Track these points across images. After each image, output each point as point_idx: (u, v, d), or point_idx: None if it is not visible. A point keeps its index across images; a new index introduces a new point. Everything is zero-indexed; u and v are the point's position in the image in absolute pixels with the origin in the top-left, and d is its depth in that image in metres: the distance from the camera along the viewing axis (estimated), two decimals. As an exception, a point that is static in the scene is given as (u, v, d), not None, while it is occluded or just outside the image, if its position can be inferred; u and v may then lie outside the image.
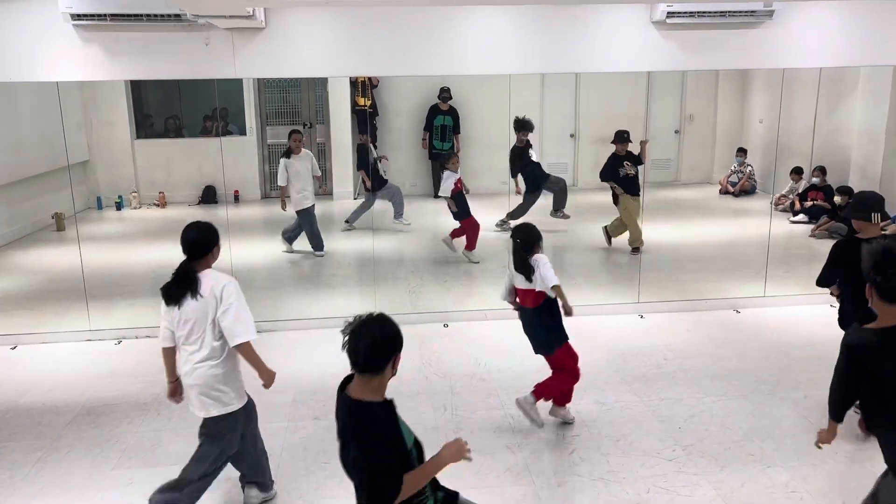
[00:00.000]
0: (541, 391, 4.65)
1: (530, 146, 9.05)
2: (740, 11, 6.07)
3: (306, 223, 8.45)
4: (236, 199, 10.46)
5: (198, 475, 3.67)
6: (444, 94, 10.36)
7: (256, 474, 4.03)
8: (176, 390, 3.84)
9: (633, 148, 8.40)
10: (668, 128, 10.62)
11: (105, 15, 5.57)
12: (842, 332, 4.30)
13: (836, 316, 4.60)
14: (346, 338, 2.62)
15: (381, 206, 9.30)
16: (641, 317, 6.80)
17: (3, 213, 8.83)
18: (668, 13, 6.01)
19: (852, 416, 3.60)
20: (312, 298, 7.61)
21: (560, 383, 4.66)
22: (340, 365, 2.73)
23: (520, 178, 9.14)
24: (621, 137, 8.41)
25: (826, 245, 4.54)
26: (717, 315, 6.80)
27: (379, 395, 2.67)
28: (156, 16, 5.62)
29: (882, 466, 3.11)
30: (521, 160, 9.00)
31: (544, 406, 4.77)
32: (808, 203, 10.03)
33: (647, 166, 8.45)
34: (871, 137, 9.39)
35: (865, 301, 2.94)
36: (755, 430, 4.71)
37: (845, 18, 6.35)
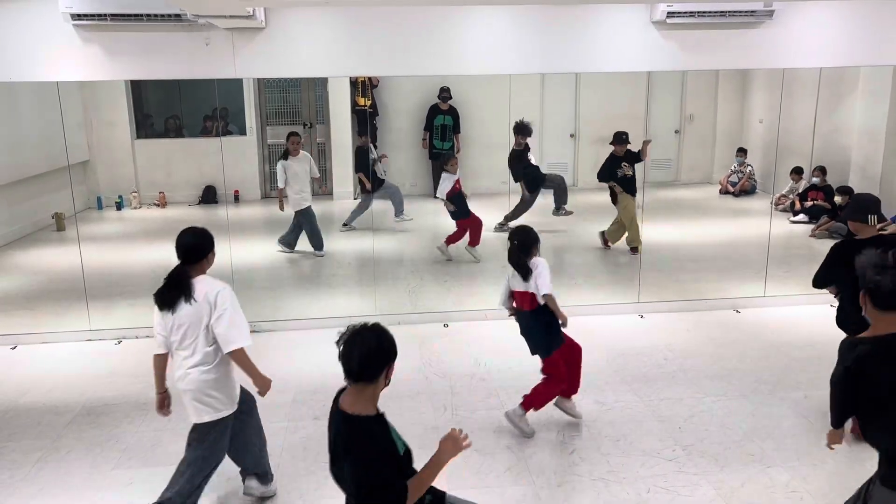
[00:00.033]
0: (530, 402, 4.64)
1: (528, 150, 9.08)
2: (740, 11, 6.07)
3: (306, 223, 8.45)
4: (236, 199, 10.46)
5: (187, 487, 3.66)
6: (444, 93, 10.36)
7: (257, 466, 4.04)
8: (164, 402, 3.81)
9: (636, 147, 8.40)
10: (669, 128, 10.61)
11: (105, 15, 5.57)
12: (840, 332, 4.36)
13: (835, 315, 4.60)
14: (341, 347, 2.64)
15: (382, 206, 9.30)
16: (641, 317, 6.80)
17: (3, 213, 8.83)
18: (668, 13, 6.01)
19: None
20: (312, 298, 7.61)
21: (549, 390, 4.64)
22: (340, 365, 2.73)
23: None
24: (620, 139, 8.42)
25: (826, 245, 4.55)
26: (717, 315, 6.80)
27: (372, 406, 2.68)
28: (156, 16, 5.62)
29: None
30: (519, 163, 9.02)
31: (542, 410, 4.77)
32: (809, 203, 10.03)
33: (647, 165, 8.44)
34: (872, 137, 9.39)
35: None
36: (755, 429, 4.71)
37: (845, 18, 6.35)
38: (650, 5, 6.14)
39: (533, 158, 9.14)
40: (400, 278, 7.92)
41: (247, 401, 3.90)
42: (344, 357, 2.62)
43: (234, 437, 3.88)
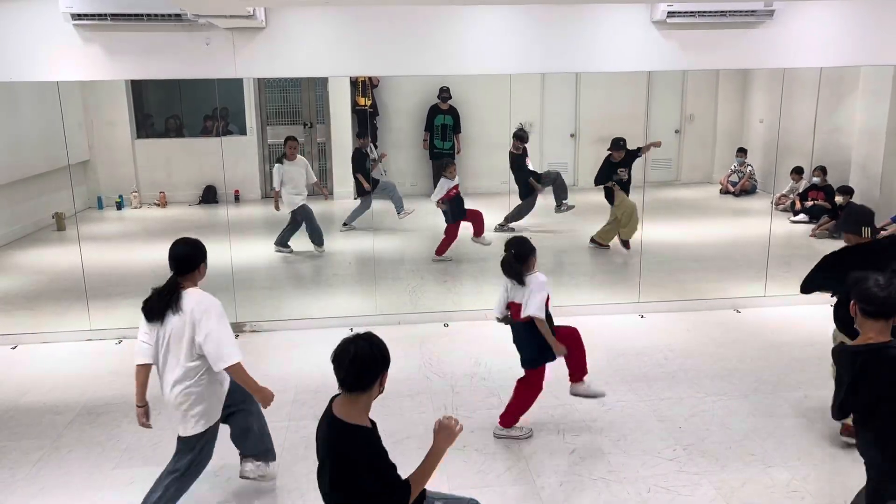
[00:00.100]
0: (508, 419, 4.62)
1: (527, 154, 9.10)
2: (741, 11, 6.06)
3: (305, 219, 8.45)
4: (237, 198, 10.46)
5: (177, 495, 3.68)
6: (444, 93, 10.36)
7: (257, 447, 4.04)
8: (145, 414, 3.77)
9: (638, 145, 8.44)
10: (669, 127, 10.61)
11: (105, 15, 5.57)
12: (839, 333, 4.38)
13: (833, 315, 4.59)
14: (334, 357, 2.66)
15: (382, 206, 9.30)
16: (642, 317, 6.80)
17: (3, 212, 8.83)
18: (669, 13, 6.00)
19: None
20: (312, 298, 7.61)
21: (523, 402, 4.61)
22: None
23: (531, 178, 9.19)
24: (617, 145, 8.44)
25: (826, 245, 4.56)
26: (717, 315, 6.80)
27: (366, 415, 2.72)
28: (156, 16, 5.61)
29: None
30: (518, 168, 9.06)
31: (543, 410, 4.77)
32: (809, 203, 10.03)
33: (648, 164, 8.44)
34: (872, 137, 9.39)
35: None
36: (756, 429, 4.71)
37: (845, 18, 6.35)
38: (650, 5, 6.14)
39: (530, 164, 9.16)
40: (400, 278, 7.91)
41: (244, 391, 3.89)
42: (337, 367, 2.65)
43: (233, 424, 3.92)
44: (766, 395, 5.18)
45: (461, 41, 6.16)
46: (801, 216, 10.02)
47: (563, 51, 6.25)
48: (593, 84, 10.42)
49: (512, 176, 9.12)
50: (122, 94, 9.74)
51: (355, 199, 9.38)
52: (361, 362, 2.63)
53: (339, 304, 7.23)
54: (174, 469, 3.70)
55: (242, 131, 10.90)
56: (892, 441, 2.80)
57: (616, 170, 8.40)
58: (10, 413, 5.15)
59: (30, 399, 5.35)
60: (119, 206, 10.02)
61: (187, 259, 3.62)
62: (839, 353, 3.08)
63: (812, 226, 9.63)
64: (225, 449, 4.08)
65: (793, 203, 10.33)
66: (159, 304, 3.56)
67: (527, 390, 4.61)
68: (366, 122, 10.22)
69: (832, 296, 4.62)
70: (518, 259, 4.44)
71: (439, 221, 8.34)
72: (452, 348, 6.11)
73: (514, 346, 4.65)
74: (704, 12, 6.03)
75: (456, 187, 8.20)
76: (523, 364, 4.63)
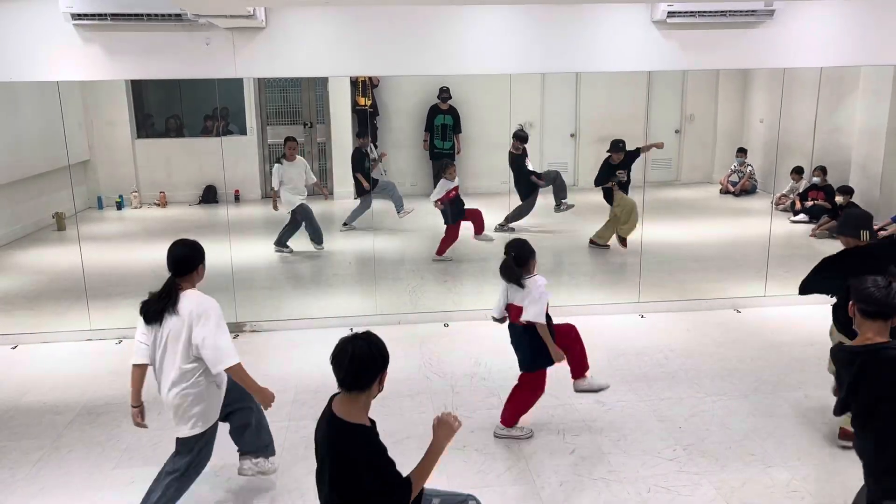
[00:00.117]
0: (509, 419, 4.63)
1: (526, 154, 9.10)
2: (741, 11, 6.06)
3: (305, 219, 8.46)
4: (237, 198, 10.46)
5: (177, 495, 3.69)
6: (444, 94, 10.36)
7: (255, 443, 4.05)
8: (140, 415, 3.76)
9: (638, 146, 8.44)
10: (669, 127, 10.61)
11: (105, 14, 5.57)
12: (837, 333, 4.38)
13: (832, 316, 4.60)
14: (333, 357, 2.67)
15: (382, 206, 9.30)
16: (642, 316, 6.80)
17: (3, 212, 8.84)
18: (669, 13, 6.00)
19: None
20: (312, 298, 7.62)
21: (524, 401, 4.61)
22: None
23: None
24: (616, 147, 8.45)
25: (827, 245, 4.56)
26: (717, 315, 6.80)
27: (365, 413, 2.72)
28: (156, 15, 5.61)
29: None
30: (517, 168, 9.07)
31: (543, 410, 4.77)
32: (809, 203, 10.03)
33: (647, 164, 8.45)
34: (872, 137, 9.39)
35: None
36: (756, 429, 4.71)
37: (846, 18, 6.34)
38: (651, 5, 6.14)
39: (530, 164, 9.17)
40: (400, 278, 7.91)
41: (242, 390, 3.88)
42: (336, 367, 2.65)
43: (232, 421, 3.92)
44: (766, 395, 5.18)
45: (461, 41, 6.16)
46: (802, 216, 10.02)
47: (563, 51, 6.25)
48: (593, 84, 10.42)
49: (512, 176, 9.12)
50: (122, 94, 9.75)
51: (355, 199, 9.39)
52: (360, 362, 2.64)
53: (339, 304, 7.23)
54: (174, 469, 3.70)
55: (242, 131, 10.90)
56: (891, 441, 2.80)
57: (615, 171, 8.41)
58: (10, 413, 5.15)
59: (30, 399, 5.36)
60: (119, 205, 10.03)
61: (185, 260, 3.62)
62: (838, 353, 3.08)
63: (812, 226, 9.63)
64: (225, 449, 4.08)
65: (793, 203, 10.33)
66: (158, 306, 3.56)
67: (529, 392, 4.60)
68: (366, 121, 10.22)
69: (831, 297, 4.63)
70: (518, 262, 4.44)
71: (439, 221, 8.34)
72: (452, 348, 6.11)
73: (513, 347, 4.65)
74: (704, 12, 6.03)
75: (456, 189, 8.20)
76: (522, 367, 4.62)
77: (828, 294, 4.50)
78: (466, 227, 8.45)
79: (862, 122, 9.60)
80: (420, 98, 10.60)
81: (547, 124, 10.55)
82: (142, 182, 10.12)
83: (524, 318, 4.38)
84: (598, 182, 8.58)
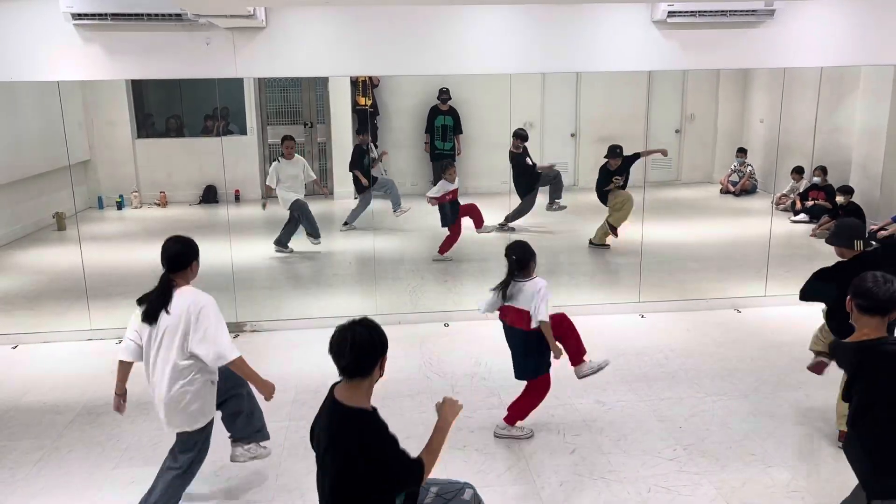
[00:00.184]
0: (513, 416, 4.62)
1: (527, 153, 9.10)
2: (741, 11, 6.06)
3: (300, 214, 8.46)
4: (237, 198, 10.45)
5: (180, 492, 3.70)
6: (444, 94, 10.36)
7: (247, 429, 4.05)
8: (122, 401, 3.81)
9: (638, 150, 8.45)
10: (669, 127, 10.61)
11: (106, 14, 5.57)
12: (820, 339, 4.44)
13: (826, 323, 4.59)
14: (333, 344, 2.67)
15: (382, 205, 9.30)
16: (642, 316, 6.80)
17: (3, 212, 8.83)
18: (669, 12, 6.01)
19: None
20: (312, 298, 7.61)
21: (531, 402, 4.61)
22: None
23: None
24: (614, 153, 8.45)
25: (827, 245, 4.55)
26: (717, 314, 6.80)
27: (368, 399, 2.72)
28: (157, 15, 5.62)
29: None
30: (516, 166, 9.07)
31: (543, 410, 4.76)
32: (809, 203, 10.03)
33: (648, 164, 8.45)
34: (872, 137, 9.38)
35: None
36: (756, 429, 4.71)
37: (846, 17, 6.34)
38: (651, 5, 6.14)
39: (530, 161, 9.16)
40: (400, 278, 7.91)
41: (235, 377, 3.89)
42: (336, 354, 2.65)
43: (224, 409, 3.93)
44: (766, 395, 5.18)
45: (461, 41, 6.15)
46: (802, 216, 10.01)
47: (564, 51, 6.25)
48: (594, 84, 10.41)
49: (511, 175, 9.12)
50: (122, 94, 9.73)
51: (355, 198, 9.39)
52: (360, 348, 2.64)
53: (339, 304, 7.22)
54: (177, 466, 3.70)
55: (243, 131, 10.89)
56: (888, 438, 2.80)
57: (612, 177, 8.42)
58: (10, 413, 5.15)
59: (30, 399, 5.36)
60: (119, 205, 10.02)
61: (180, 257, 3.63)
62: (836, 347, 3.08)
63: (812, 225, 9.62)
64: (225, 450, 4.09)
65: (793, 203, 10.33)
66: (157, 304, 3.56)
67: (536, 395, 4.59)
68: (366, 121, 10.22)
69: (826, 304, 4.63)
70: (519, 264, 4.45)
71: (439, 221, 8.34)
72: (453, 348, 6.11)
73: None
74: (705, 12, 6.03)
75: (454, 192, 8.19)
76: (521, 375, 4.58)
77: (826, 301, 4.49)
78: (467, 227, 8.44)
79: (862, 121, 9.60)
80: (420, 98, 10.59)
81: (547, 124, 10.54)
82: (142, 182, 10.12)
83: (537, 320, 4.36)
84: (598, 189, 8.62)
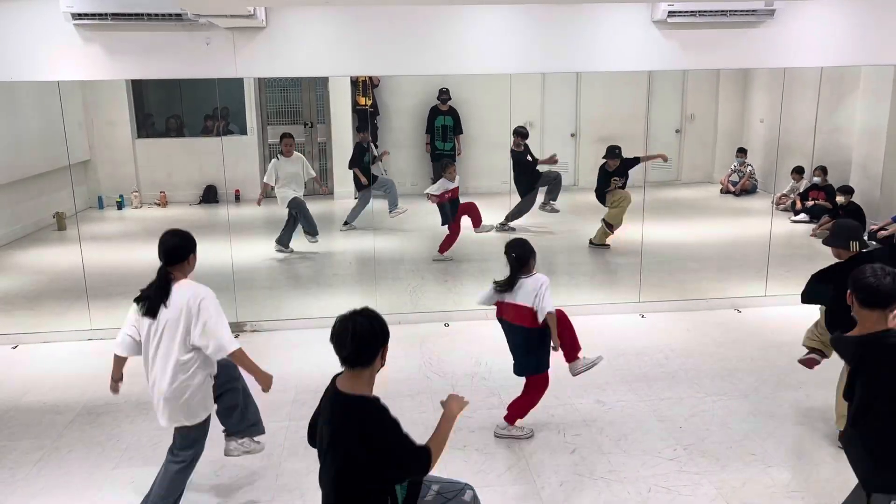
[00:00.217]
0: (514, 414, 4.63)
1: (527, 150, 9.10)
2: (741, 11, 6.06)
3: (298, 211, 8.45)
4: (237, 198, 10.45)
5: (181, 488, 3.71)
6: (443, 95, 10.36)
7: (241, 423, 4.06)
8: (117, 387, 3.89)
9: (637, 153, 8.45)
10: (669, 127, 10.61)
11: (106, 14, 5.57)
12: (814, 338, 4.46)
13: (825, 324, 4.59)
14: (334, 334, 2.67)
15: (382, 205, 9.30)
16: (642, 316, 6.80)
17: (3, 212, 8.84)
18: (669, 12, 6.01)
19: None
20: (312, 298, 7.61)
21: (531, 400, 4.61)
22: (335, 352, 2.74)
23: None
24: (613, 153, 8.45)
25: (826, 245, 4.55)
26: (718, 314, 6.80)
27: (370, 389, 2.72)
28: (157, 15, 5.62)
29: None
30: (517, 161, 9.07)
31: (543, 410, 4.76)
32: (810, 202, 10.03)
33: (648, 164, 8.45)
34: (873, 137, 9.38)
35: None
36: (756, 429, 4.71)
37: (846, 17, 6.34)
38: (651, 4, 6.14)
39: (531, 158, 9.16)
40: (400, 278, 7.91)
41: (230, 371, 3.91)
42: (337, 344, 2.65)
43: (220, 403, 3.93)
44: (766, 395, 5.18)
45: (461, 41, 6.15)
46: (802, 216, 10.01)
47: (564, 50, 6.24)
48: (594, 84, 10.41)
49: (512, 175, 9.12)
50: (122, 94, 9.74)
51: (355, 197, 9.39)
52: (361, 338, 2.63)
53: (339, 304, 7.16)
54: (180, 460, 3.71)
55: (243, 131, 10.90)
56: (886, 430, 2.80)
57: (610, 179, 8.42)
58: (10, 413, 5.15)
59: (30, 399, 5.36)
60: (120, 205, 10.02)
61: (177, 250, 3.63)
62: (837, 341, 3.07)
63: (813, 225, 9.62)
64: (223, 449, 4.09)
65: (793, 203, 10.33)
66: (156, 298, 3.56)
67: (535, 392, 4.60)
68: (366, 121, 10.22)
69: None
70: (519, 262, 4.45)
71: (439, 220, 8.34)
72: (453, 348, 6.11)
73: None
74: (705, 12, 6.03)
75: (455, 191, 8.19)
76: (523, 371, 4.58)
77: (828, 305, 4.49)
78: (466, 227, 8.44)
79: (862, 121, 9.59)
80: (420, 98, 10.59)
81: (547, 124, 10.54)
82: (142, 182, 10.12)
83: (544, 313, 4.36)
84: (598, 191, 8.62)
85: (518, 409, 4.62)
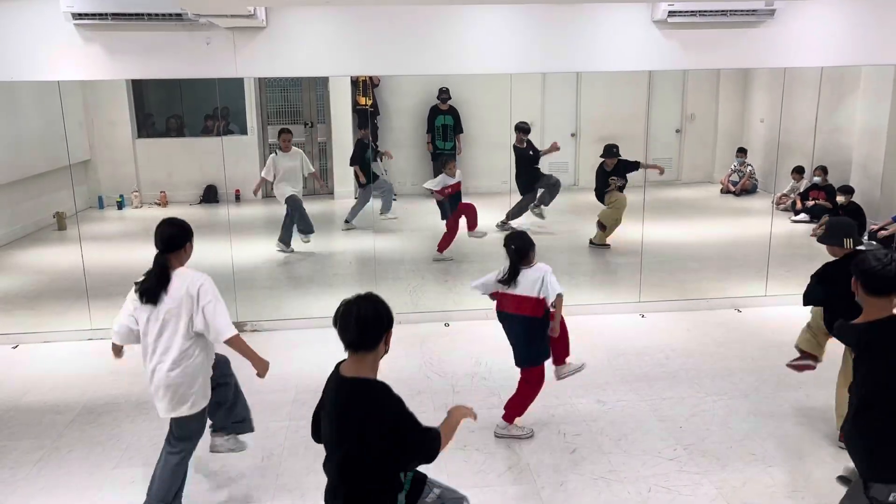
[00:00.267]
0: (512, 413, 4.63)
1: (530, 146, 9.10)
2: (741, 10, 6.06)
3: (294, 207, 8.46)
4: (237, 198, 10.45)
5: (181, 482, 3.72)
6: (443, 94, 10.37)
7: (228, 419, 4.07)
8: (121, 351, 3.95)
9: (632, 155, 8.44)
10: (670, 127, 10.61)
11: (106, 14, 5.57)
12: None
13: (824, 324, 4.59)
14: (338, 318, 2.67)
15: (381, 205, 9.31)
16: (643, 316, 6.80)
17: (4, 212, 8.84)
18: (670, 12, 6.00)
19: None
20: (313, 298, 7.61)
21: (527, 395, 4.61)
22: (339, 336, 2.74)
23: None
24: (610, 152, 8.45)
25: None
26: (718, 314, 6.80)
27: (374, 374, 2.71)
28: (157, 15, 5.62)
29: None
30: (519, 158, 9.07)
31: (543, 410, 4.77)
32: (810, 202, 10.02)
33: (648, 162, 8.45)
34: (873, 136, 9.38)
35: (854, 314, 3.01)
36: (756, 429, 4.71)
37: (846, 17, 6.34)
38: (651, 4, 6.13)
39: (532, 153, 9.16)
40: (401, 278, 7.91)
41: (223, 368, 3.92)
42: (341, 328, 2.65)
43: (213, 395, 3.91)
44: (766, 395, 5.18)
45: (461, 41, 6.15)
46: (802, 216, 10.01)
47: (564, 50, 6.24)
48: (594, 84, 10.42)
49: (513, 172, 9.11)
50: (122, 94, 9.74)
51: (355, 197, 9.39)
52: (365, 322, 2.64)
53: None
54: (178, 450, 3.72)
55: (243, 131, 10.90)
56: (889, 419, 2.79)
57: (608, 178, 8.42)
58: (10, 413, 5.16)
59: (30, 399, 5.36)
60: (120, 205, 10.02)
61: (174, 238, 3.68)
62: (842, 328, 3.05)
63: (813, 225, 9.61)
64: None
65: (794, 203, 10.33)
66: (156, 286, 3.56)
67: (531, 386, 4.60)
68: (367, 121, 10.23)
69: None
70: (518, 254, 4.46)
71: (439, 220, 8.35)
72: (453, 348, 6.11)
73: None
74: (705, 12, 6.03)
75: (456, 186, 8.19)
76: (522, 363, 4.61)
77: (829, 307, 4.49)
78: (463, 227, 8.44)
79: (862, 121, 9.59)
80: (420, 98, 10.60)
81: (547, 124, 10.54)
82: (142, 182, 10.12)
83: (553, 295, 4.38)
84: (598, 192, 8.62)
85: (515, 407, 4.62)
